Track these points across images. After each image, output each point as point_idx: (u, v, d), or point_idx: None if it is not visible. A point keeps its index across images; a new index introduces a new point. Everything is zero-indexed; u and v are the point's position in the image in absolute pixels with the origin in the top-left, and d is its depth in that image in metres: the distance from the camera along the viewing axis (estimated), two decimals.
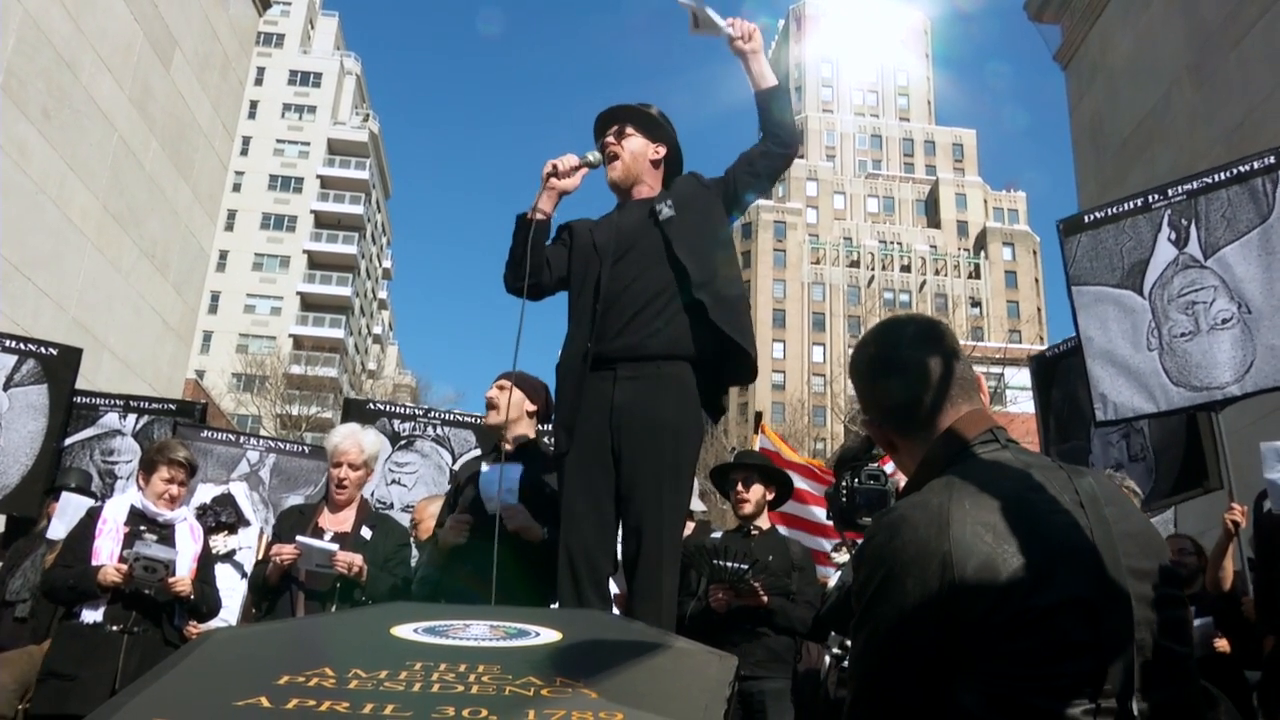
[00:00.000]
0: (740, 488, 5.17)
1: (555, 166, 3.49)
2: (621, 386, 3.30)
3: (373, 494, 6.65)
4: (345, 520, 4.75)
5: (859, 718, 1.58)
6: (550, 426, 3.90)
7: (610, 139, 3.61)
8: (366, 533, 4.70)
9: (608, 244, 3.47)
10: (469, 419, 7.58)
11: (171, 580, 4.57)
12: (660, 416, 3.27)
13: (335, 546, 4.48)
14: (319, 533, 4.66)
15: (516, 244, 3.49)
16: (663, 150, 3.68)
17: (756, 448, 8.36)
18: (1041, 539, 1.46)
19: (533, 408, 4.37)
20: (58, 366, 6.74)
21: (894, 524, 1.56)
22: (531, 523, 3.97)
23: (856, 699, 1.59)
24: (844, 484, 3.93)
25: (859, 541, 7.62)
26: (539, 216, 3.48)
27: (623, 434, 3.28)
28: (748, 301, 3.62)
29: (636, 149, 3.62)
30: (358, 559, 4.49)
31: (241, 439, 7.98)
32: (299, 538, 4.49)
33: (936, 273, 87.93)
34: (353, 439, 4.91)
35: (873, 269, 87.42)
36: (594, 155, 3.59)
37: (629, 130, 3.62)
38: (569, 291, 3.52)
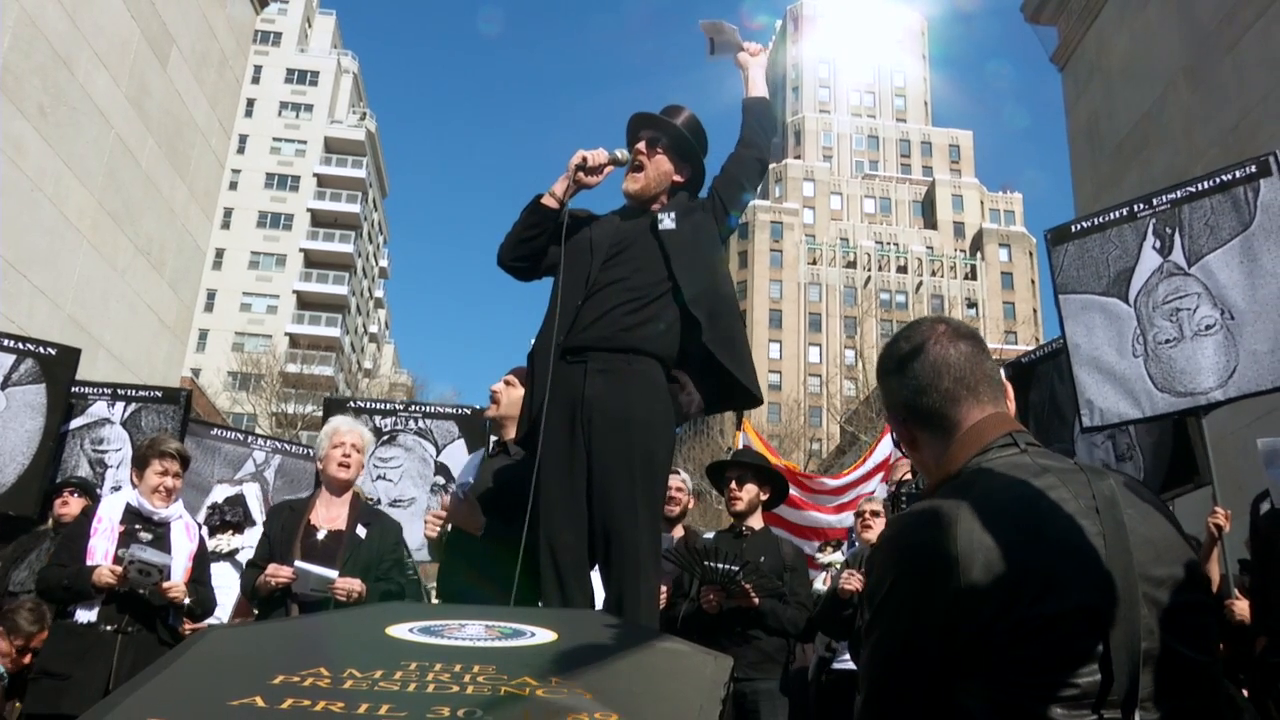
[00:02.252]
0: (734, 485, 5.18)
1: (585, 159, 3.47)
2: (592, 380, 3.29)
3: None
4: (339, 517, 4.63)
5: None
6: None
7: (643, 148, 3.58)
8: (362, 531, 4.60)
9: (603, 241, 3.47)
10: (449, 410, 7.65)
11: (166, 585, 4.54)
12: (630, 412, 3.27)
13: (334, 574, 4.35)
14: (311, 530, 4.55)
15: (526, 227, 3.48)
16: (686, 175, 3.66)
17: (739, 444, 8.40)
18: (1050, 545, 1.45)
19: None
20: (56, 366, 6.73)
21: (904, 528, 1.56)
22: (469, 515, 4.05)
23: (865, 702, 1.60)
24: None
25: (842, 541, 7.61)
26: (554, 205, 3.47)
27: (593, 429, 3.27)
28: (743, 324, 3.65)
29: (664, 169, 3.59)
30: (357, 585, 4.37)
31: (249, 439, 8.02)
32: (297, 563, 4.36)
33: (933, 274, 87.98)
34: (353, 424, 4.91)
35: (869, 270, 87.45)
36: (623, 153, 3.57)
37: (663, 147, 3.60)
38: (555, 280, 3.49)
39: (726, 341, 3.42)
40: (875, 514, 5.70)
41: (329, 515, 4.64)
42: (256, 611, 4.70)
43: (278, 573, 4.36)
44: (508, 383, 4.39)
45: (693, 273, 3.41)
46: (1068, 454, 5.86)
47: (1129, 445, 5.81)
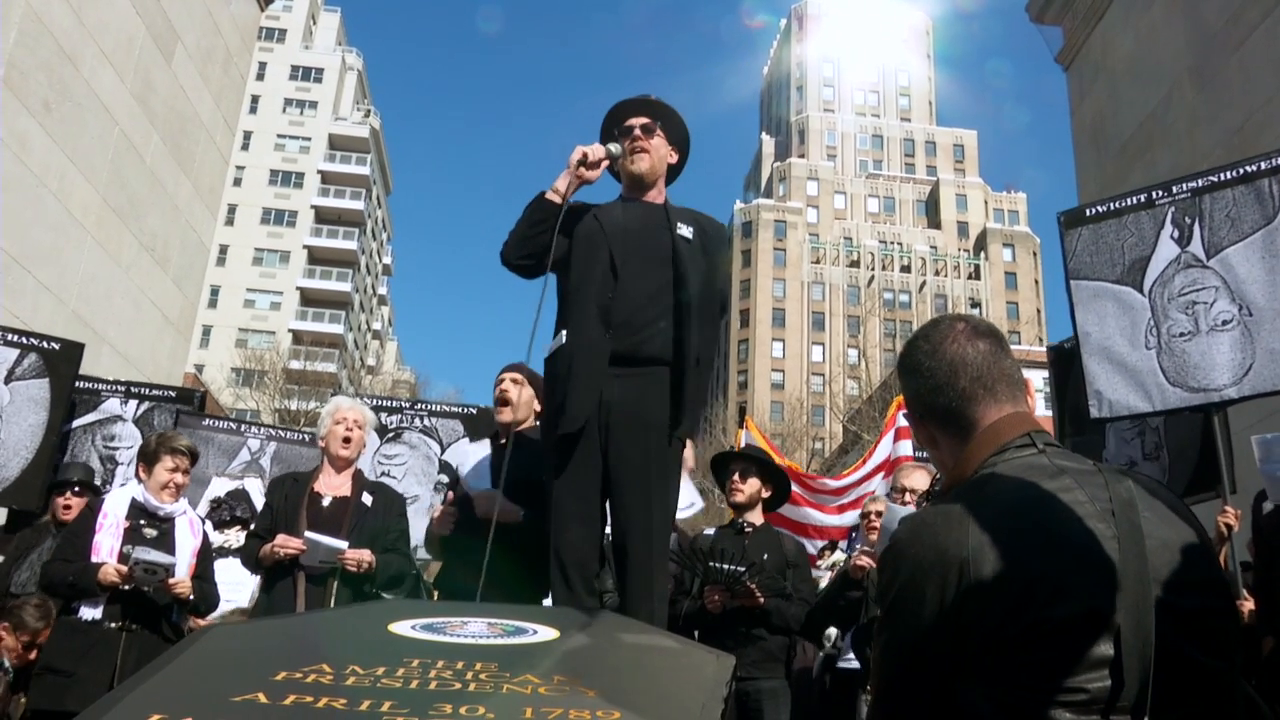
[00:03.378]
0: (736, 478, 5.17)
1: (586, 155, 3.45)
2: (611, 384, 3.31)
3: None
4: (343, 485, 4.66)
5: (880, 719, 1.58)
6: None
7: (640, 134, 3.58)
8: (367, 499, 4.63)
9: (616, 235, 3.46)
10: (456, 409, 7.65)
11: (171, 582, 4.55)
12: (649, 415, 3.30)
13: (344, 544, 4.37)
14: (316, 497, 4.56)
15: (532, 223, 3.44)
16: (676, 158, 3.70)
17: (741, 443, 8.38)
18: (1062, 548, 1.44)
19: (539, 408, 4.40)
20: (59, 361, 6.75)
21: (916, 529, 1.56)
22: (505, 505, 4.03)
23: (875, 700, 1.60)
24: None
25: (838, 543, 7.56)
26: (558, 200, 3.44)
27: (611, 431, 3.29)
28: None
29: (661, 153, 3.63)
30: (367, 555, 4.40)
31: (243, 427, 8.02)
32: (307, 534, 4.37)
33: (936, 273, 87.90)
34: (354, 402, 4.94)
35: (873, 269, 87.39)
36: (616, 147, 3.56)
37: (659, 130, 3.62)
38: (570, 277, 3.47)
39: (701, 381, 3.45)
40: (880, 514, 5.66)
41: (332, 484, 4.67)
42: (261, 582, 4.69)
43: (287, 544, 4.36)
44: (515, 381, 4.37)
45: (692, 280, 3.43)
46: (1099, 445, 5.75)
47: (1156, 445, 5.68)
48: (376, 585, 4.51)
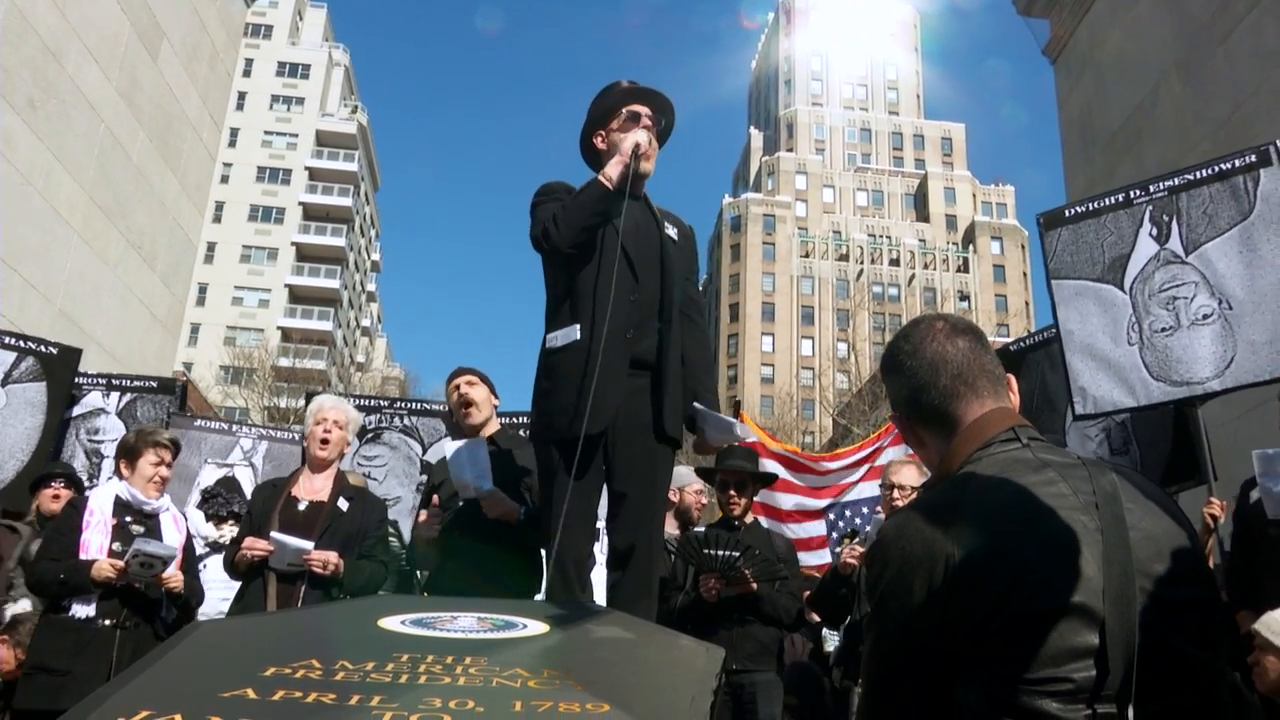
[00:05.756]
0: (734, 493, 5.15)
1: (639, 145, 3.38)
2: (620, 385, 3.31)
3: None
4: (321, 490, 4.61)
5: (869, 714, 1.59)
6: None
7: (650, 125, 3.51)
8: (344, 504, 4.58)
9: (626, 236, 3.39)
10: (436, 406, 7.47)
11: (165, 576, 4.52)
12: (653, 418, 3.33)
13: (310, 545, 4.34)
14: (292, 501, 4.53)
15: (595, 212, 3.34)
16: None
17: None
18: (1045, 541, 1.45)
19: (497, 402, 4.52)
20: (57, 365, 6.73)
21: (903, 523, 1.56)
22: (509, 504, 4.07)
23: (866, 694, 1.61)
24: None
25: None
26: (611, 189, 3.35)
27: (619, 434, 3.29)
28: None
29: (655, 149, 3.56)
30: (333, 557, 4.36)
31: (234, 427, 7.97)
32: (273, 534, 4.35)
33: (925, 266, 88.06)
34: (337, 401, 4.90)
35: (861, 262, 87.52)
36: (645, 135, 3.47)
37: (659, 127, 3.56)
38: (586, 271, 3.37)
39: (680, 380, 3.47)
40: (899, 488, 5.15)
41: (311, 488, 4.63)
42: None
43: (254, 545, 4.36)
44: (471, 384, 4.40)
45: (679, 281, 3.48)
46: (1058, 444, 5.78)
47: (1125, 440, 5.73)
48: (345, 590, 4.45)
